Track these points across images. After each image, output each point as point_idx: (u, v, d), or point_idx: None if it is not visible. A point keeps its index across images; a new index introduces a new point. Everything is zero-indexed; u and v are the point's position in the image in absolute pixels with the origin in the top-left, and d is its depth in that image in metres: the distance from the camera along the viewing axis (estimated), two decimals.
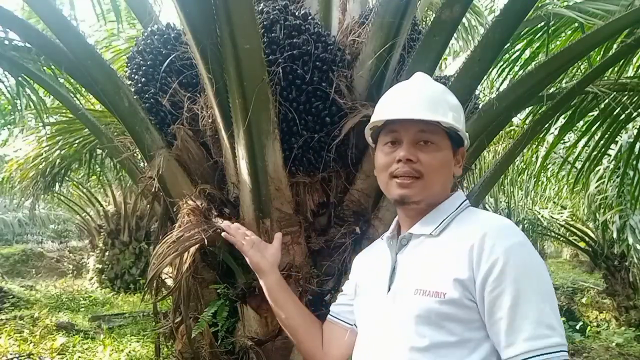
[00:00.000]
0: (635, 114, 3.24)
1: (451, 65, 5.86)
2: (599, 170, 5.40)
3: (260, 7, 2.03)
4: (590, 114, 3.46)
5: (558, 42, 3.42)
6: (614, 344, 6.63)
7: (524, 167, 5.89)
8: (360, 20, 2.34)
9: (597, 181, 5.89)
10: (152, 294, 2.10)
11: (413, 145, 1.11)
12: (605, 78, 3.05)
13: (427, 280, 1.05)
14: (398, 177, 1.10)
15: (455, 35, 3.16)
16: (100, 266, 10.75)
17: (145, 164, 2.50)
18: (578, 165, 4.21)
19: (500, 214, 8.16)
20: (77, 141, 5.14)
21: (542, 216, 8.75)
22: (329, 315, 1.42)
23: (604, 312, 9.44)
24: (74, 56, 2.28)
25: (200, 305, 2.14)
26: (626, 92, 3.16)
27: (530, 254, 1.00)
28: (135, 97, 2.34)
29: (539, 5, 3.05)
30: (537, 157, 5.68)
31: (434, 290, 1.03)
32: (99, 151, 5.62)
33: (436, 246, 1.10)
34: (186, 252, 1.96)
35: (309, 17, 2.06)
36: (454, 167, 1.19)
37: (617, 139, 3.99)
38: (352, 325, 1.32)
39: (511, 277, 0.95)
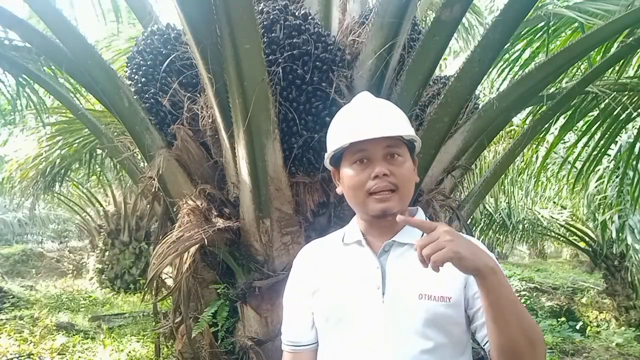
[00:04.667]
0: (635, 114, 3.24)
1: (451, 65, 5.87)
2: (598, 170, 5.40)
3: (260, 7, 2.03)
4: (590, 114, 3.46)
5: (558, 42, 3.42)
6: (614, 344, 6.63)
7: (524, 167, 5.88)
8: (360, 20, 2.34)
9: (596, 181, 5.89)
10: (152, 294, 2.10)
11: (384, 160, 1.16)
12: (605, 78, 3.05)
13: (430, 286, 1.11)
14: (376, 192, 1.15)
15: (455, 35, 3.16)
16: (100, 266, 10.74)
17: (145, 164, 2.50)
18: (578, 165, 4.21)
19: (500, 214, 8.19)
20: (77, 141, 5.14)
21: (542, 216, 8.74)
22: (292, 347, 1.29)
23: (604, 312, 9.44)
24: (74, 56, 2.28)
25: (200, 305, 2.14)
26: (626, 92, 3.16)
27: None
28: (135, 97, 2.34)
29: (539, 5, 3.05)
30: (537, 157, 5.68)
31: (439, 295, 1.10)
32: (99, 151, 5.61)
33: None
34: (186, 252, 1.96)
35: (309, 17, 2.06)
36: (414, 175, 1.24)
37: (617, 139, 3.99)
38: (315, 343, 1.28)
39: None
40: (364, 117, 1.20)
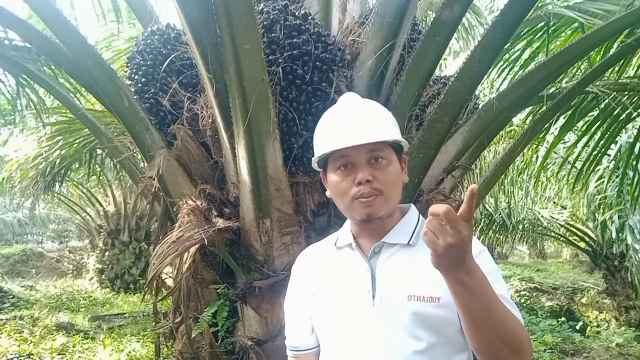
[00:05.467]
0: (635, 114, 3.24)
1: (451, 65, 5.87)
2: (598, 170, 5.40)
3: (260, 7, 2.03)
4: (590, 114, 3.46)
5: (558, 42, 3.42)
6: (614, 344, 6.62)
7: (524, 167, 5.88)
8: (360, 20, 2.34)
9: (596, 181, 5.89)
10: (152, 294, 2.10)
11: (367, 165, 1.15)
12: (605, 78, 3.05)
13: (419, 287, 1.11)
14: (361, 198, 1.14)
15: (455, 35, 3.16)
16: (100, 266, 10.75)
17: (145, 164, 2.51)
18: (578, 165, 4.21)
19: (500, 214, 8.19)
20: (77, 141, 5.14)
21: (542, 216, 8.74)
22: (294, 352, 1.31)
23: (604, 312, 9.44)
24: (74, 56, 2.28)
25: (200, 305, 2.14)
26: (626, 92, 3.16)
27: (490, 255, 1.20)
28: (135, 97, 2.34)
29: (539, 5, 3.05)
30: (537, 157, 5.69)
31: (428, 295, 1.09)
32: (99, 151, 5.62)
33: (417, 254, 1.16)
34: (186, 252, 1.96)
35: (309, 17, 2.06)
36: (403, 175, 1.23)
37: (617, 139, 3.99)
38: (317, 347, 1.28)
39: (488, 267, 1.08)
40: (347, 122, 1.18)
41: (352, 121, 1.18)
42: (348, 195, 1.15)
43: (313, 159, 1.26)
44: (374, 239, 1.20)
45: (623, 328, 7.77)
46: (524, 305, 9.21)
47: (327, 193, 1.26)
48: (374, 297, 1.13)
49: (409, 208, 1.27)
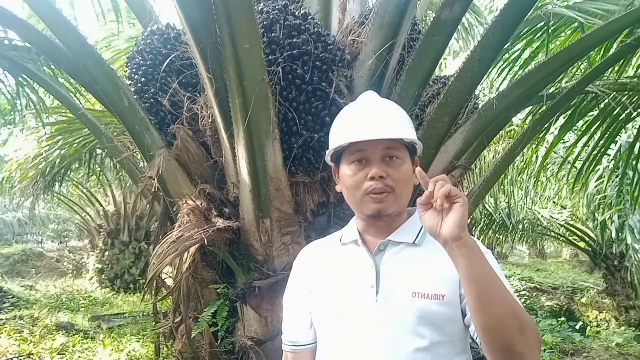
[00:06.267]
0: (635, 114, 3.24)
1: (451, 65, 5.87)
2: (598, 170, 5.40)
3: (260, 7, 2.03)
4: (590, 114, 3.46)
5: (558, 42, 3.42)
6: (614, 344, 6.62)
7: (524, 167, 5.88)
8: (360, 20, 2.34)
9: (596, 181, 5.89)
10: (152, 294, 2.10)
11: (382, 162, 1.17)
12: (605, 78, 3.05)
13: (424, 284, 1.12)
14: (373, 193, 1.16)
15: (455, 35, 3.16)
16: (100, 266, 10.74)
17: (145, 164, 2.51)
18: (578, 165, 4.21)
19: (500, 214, 8.18)
20: (77, 141, 5.14)
21: (542, 216, 8.74)
22: (291, 347, 1.31)
23: (604, 312, 9.44)
24: (74, 56, 2.28)
25: (200, 305, 2.14)
26: (626, 92, 3.16)
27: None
28: (135, 97, 2.34)
29: (539, 5, 3.05)
30: (537, 157, 5.69)
31: (432, 293, 1.10)
32: (99, 151, 5.62)
33: (423, 253, 1.17)
34: (186, 252, 1.96)
35: (309, 17, 2.06)
36: (414, 178, 1.23)
37: (617, 139, 3.98)
38: (314, 343, 1.29)
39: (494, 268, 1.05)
40: (366, 118, 1.20)
41: (372, 117, 1.20)
42: (360, 190, 1.17)
43: (327, 151, 1.27)
44: (380, 237, 1.20)
45: (623, 328, 7.76)
46: (524, 305, 9.20)
47: (338, 187, 1.27)
48: (377, 293, 1.13)
49: (415, 210, 1.28)
